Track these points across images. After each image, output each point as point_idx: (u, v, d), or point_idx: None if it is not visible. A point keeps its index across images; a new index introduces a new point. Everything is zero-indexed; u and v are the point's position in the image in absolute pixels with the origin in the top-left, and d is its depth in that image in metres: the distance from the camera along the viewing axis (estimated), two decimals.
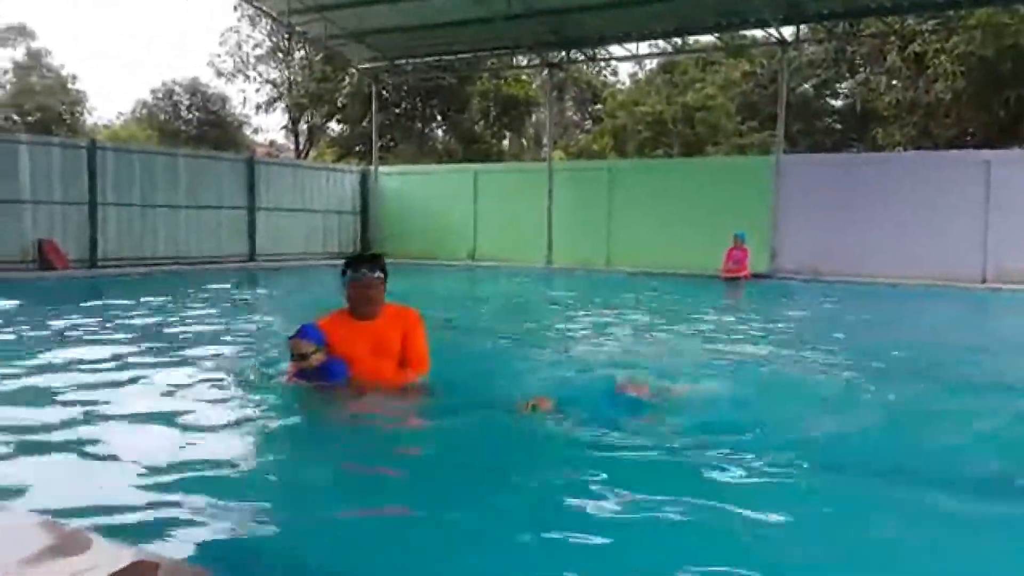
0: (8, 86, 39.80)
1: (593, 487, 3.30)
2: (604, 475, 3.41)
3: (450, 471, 3.65)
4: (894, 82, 27.66)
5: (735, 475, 3.48)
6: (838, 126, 33.64)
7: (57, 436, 4.05)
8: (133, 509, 3.09)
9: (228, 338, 7.76)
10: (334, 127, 36.76)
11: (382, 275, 4.81)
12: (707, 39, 24.36)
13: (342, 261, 4.94)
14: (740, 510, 3.07)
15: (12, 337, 7.62)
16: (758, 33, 20.72)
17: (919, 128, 27.23)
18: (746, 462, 3.61)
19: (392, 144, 34.26)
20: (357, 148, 34.31)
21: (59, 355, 6.37)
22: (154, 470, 3.49)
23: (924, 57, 25.55)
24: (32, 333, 7.88)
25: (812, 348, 7.72)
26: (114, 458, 3.74)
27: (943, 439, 4.39)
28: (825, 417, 4.71)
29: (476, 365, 6.46)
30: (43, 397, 4.88)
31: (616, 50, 23.31)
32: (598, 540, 2.85)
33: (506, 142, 39.08)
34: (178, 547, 2.76)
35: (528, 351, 7.35)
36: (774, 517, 3.08)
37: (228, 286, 14.45)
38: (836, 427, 4.47)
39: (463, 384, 5.25)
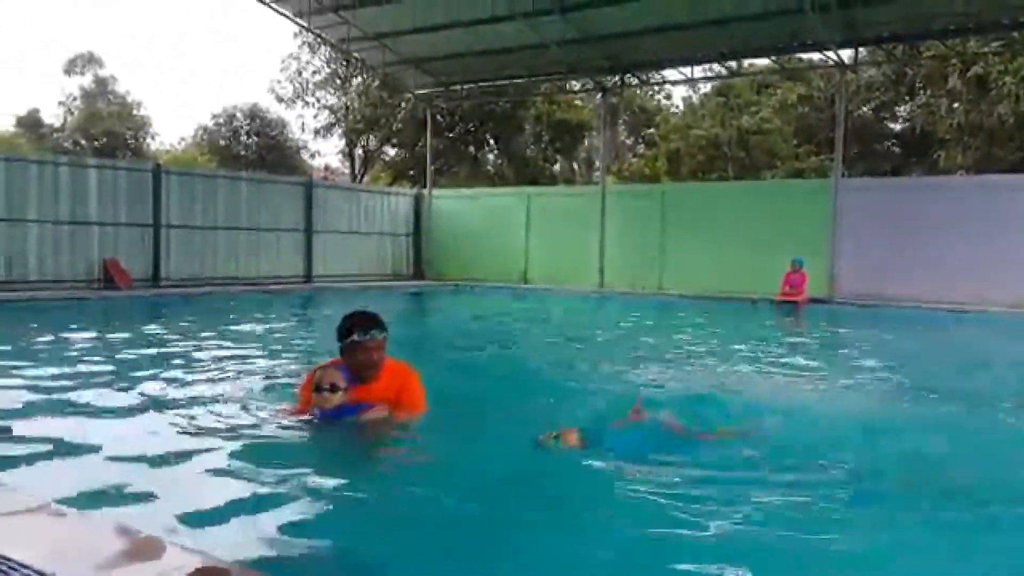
0: (77, 112, 41.19)
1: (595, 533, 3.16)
2: (619, 519, 3.28)
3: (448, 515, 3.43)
4: (955, 105, 27.10)
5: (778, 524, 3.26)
6: (897, 150, 33.04)
7: (111, 446, 4.20)
8: (198, 516, 3.17)
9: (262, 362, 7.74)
10: (389, 151, 37.22)
11: (386, 333, 4.62)
12: (763, 62, 24.19)
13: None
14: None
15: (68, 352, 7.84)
16: (815, 56, 20.51)
17: (982, 151, 26.59)
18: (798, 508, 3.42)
19: (445, 168, 34.55)
20: (411, 172, 34.66)
21: (104, 371, 6.56)
22: (221, 483, 3.58)
23: (987, 79, 25.01)
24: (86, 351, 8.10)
25: (869, 379, 7.52)
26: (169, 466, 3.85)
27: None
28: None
29: (510, 391, 6.42)
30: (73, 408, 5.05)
31: (670, 74, 23.28)
32: None
33: (558, 166, 39.15)
34: (244, 553, 2.82)
35: (569, 379, 7.25)
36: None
37: (270, 307, 14.67)
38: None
39: (489, 410, 5.23)
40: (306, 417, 4.52)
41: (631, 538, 3.10)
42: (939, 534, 3.24)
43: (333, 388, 4.39)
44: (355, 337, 4.52)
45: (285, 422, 4.61)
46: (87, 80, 41.59)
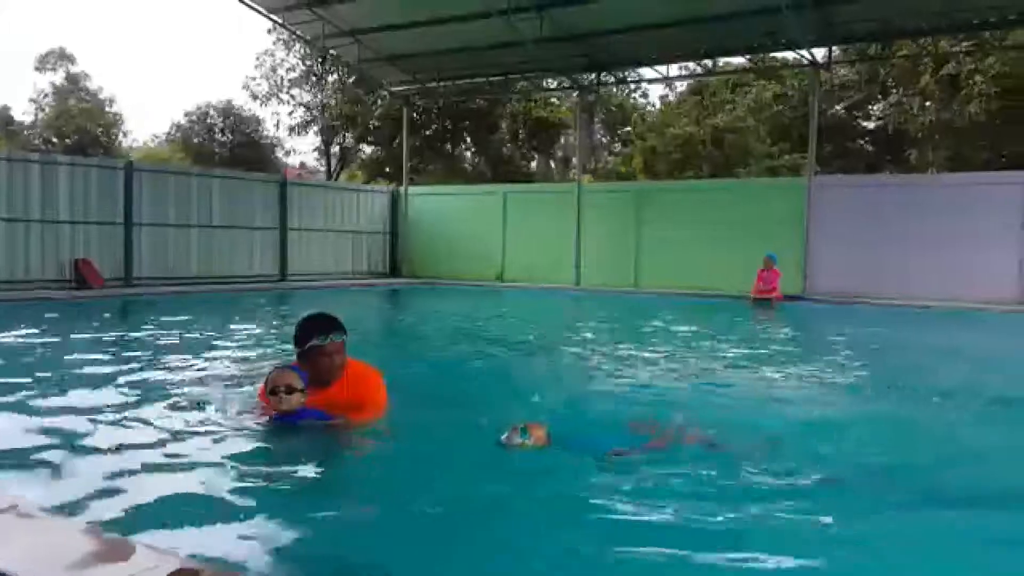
0: (48, 109, 40.68)
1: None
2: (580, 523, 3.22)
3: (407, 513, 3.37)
4: (927, 103, 27.41)
5: (744, 525, 3.22)
6: (870, 148, 33.38)
7: (78, 448, 4.16)
8: (159, 516, 3.16)
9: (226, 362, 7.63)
10: (365, 149, 37.12)
11: (345, 335, 4.51)
12: (738, 61, 24.34)
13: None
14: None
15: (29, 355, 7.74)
16: (789, 55, 20.67)
17: (953, 150, 26.94)
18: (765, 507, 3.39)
19: (422, 166, 34.49)
20: (387, 169, 34.60)
21: (74, 373, 6.49)
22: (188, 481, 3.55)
23: (958, 78, 25.32)
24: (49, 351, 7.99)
25: (834, 375, 7.56)
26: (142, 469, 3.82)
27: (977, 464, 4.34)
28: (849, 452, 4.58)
29: (472, 389, 6.39)
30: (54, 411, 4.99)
31: (647, 72, 23.38)
32: None
33: (535, 164, 39.21)
34: (217, 553, 2.80)
35: (539, 377, 7.22)
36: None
37: (248, 306, 14.56)
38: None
39: (458, 408, 5.19)
40: (263, 420, 4.41)
41: (599, 536, 3.09)
42: (909, 527, 3.28)
43: (289, 390, 4.22)
44: (315, 342, 4.38)
45: (248, 424, 4.50)
46: (59, 77, 41.15)
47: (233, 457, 3.98)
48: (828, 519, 3.26)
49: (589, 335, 11.33)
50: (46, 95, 40.93)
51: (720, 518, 3.23)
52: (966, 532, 3.23)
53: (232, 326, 10.83)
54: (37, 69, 41.01)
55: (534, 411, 4.95)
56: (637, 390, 6.37)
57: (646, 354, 8.83)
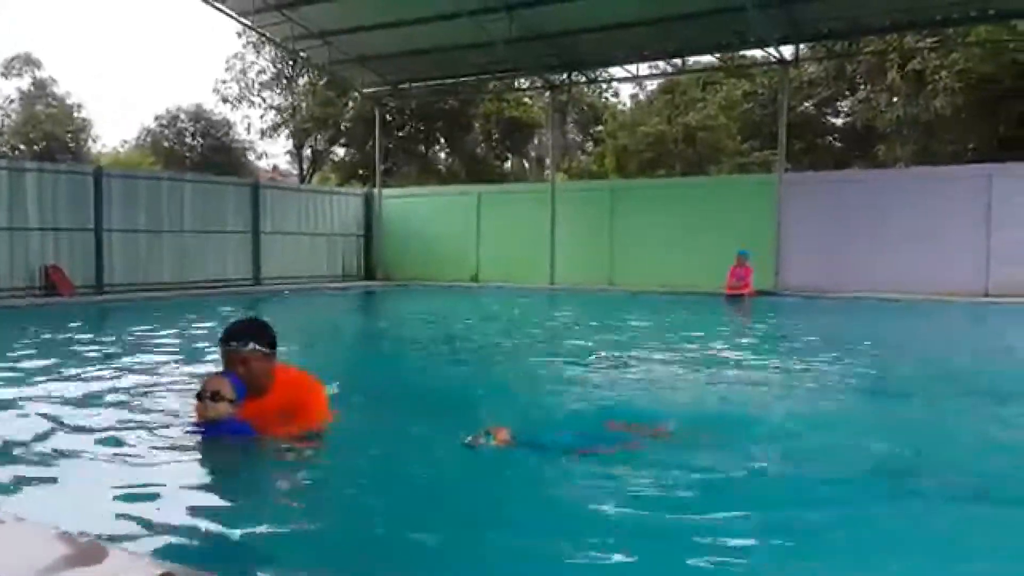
0: (14, 115, 40.13)
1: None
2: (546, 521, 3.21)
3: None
4: (894, 99, 27.78)
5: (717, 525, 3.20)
6: (839, 144, 33.76)
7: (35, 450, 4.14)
8: (142, 522, 3.16)
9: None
10: (338, 151, 36.98)
11: (259, 348, 4.14)
12: (707, 59, 24.53)
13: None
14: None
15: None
16: (758, 53, 20.87)
17: (920, 144, 27.32)
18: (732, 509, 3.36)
19: (395, 167, 34.43)
20: (361, 172, 34.49)
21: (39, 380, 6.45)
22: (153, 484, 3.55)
23: (924, 74, 25.68)
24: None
25: (809, 368, 7.66)
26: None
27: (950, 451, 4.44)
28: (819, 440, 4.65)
29: (437, 391, 6.34)
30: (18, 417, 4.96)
31: (617, 71, 23.50)
32: None
33: (508, 164, 39.26)
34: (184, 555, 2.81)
35: (505, 378, 7.21)
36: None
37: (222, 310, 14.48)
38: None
39: (425, 409, 5.14)
40: (188, 429, 4.19)
41: (567, 532, 3.07)
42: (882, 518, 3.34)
43: (216, 397, 3.97)
44: (223, 345, 4.18)
45: (172, 433, 4.31)
46: (25, 82, 40.54)
47: (187, 464, 3.92)
48: (804, 512, 3.31)
49: (559, 334, 11.38)
50: (12, 101, 40.36)
51: (688, 513, 3.25)
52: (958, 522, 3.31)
53: (199, 330, 10.72)
54: (2, 75, 40.39)
55: (500, 412, 4.92)
56: (606, 388, 6.38)
57: (617, 352, 8.86)
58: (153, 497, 3.39)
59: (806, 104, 32.12)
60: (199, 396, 4.02)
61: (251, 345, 4.12)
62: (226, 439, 4.02)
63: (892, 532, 3.15)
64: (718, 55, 22.18)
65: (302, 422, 4.19)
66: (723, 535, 3.01)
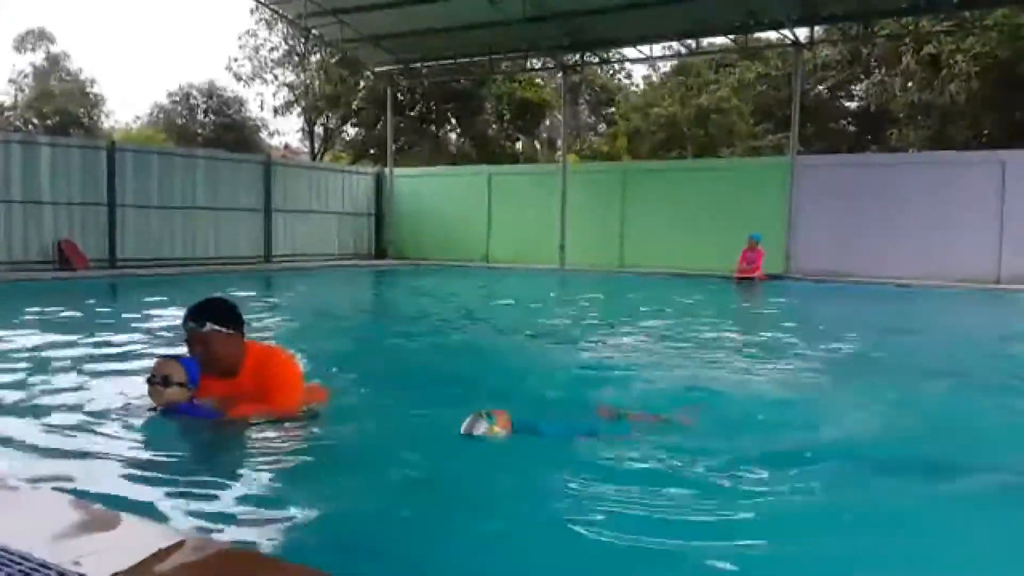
0: (28, 90, 40.24)
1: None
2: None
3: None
4: (909, 84, 27.57)
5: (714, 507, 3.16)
6: (852, 128, 33.55)
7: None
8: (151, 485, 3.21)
9: None
10: (349, 130, 36.96)
11: (216, 328, 4.04)
12: (721, 41, 24.38)
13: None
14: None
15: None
16: (772, 35, 20.72)
17: (934, 129, 27.14)
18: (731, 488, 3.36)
19: (407, 147, 34.41)
20: (372, 151, 34.47)
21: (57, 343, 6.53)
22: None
23: (939, 58, 25.47)
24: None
25: (815, 354, 7.57)
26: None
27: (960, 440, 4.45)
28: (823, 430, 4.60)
29: (446, 369, 6.27)
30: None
31: (630, 52, 23.39)
32: None
33: (519, 145, 39.16)
34: (201, 525, 2.86)
35: (510, 361, 7.12)
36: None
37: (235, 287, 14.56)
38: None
39: (428, 392, 5.08)
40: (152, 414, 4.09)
41: (566, 520, 3.01)
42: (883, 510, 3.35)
43: (166, 381, 3.90)
44: (183, 326, 4.09)
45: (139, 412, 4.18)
46: (38, 57, 40.65)
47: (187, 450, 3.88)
48: (812, 499, 3.30)
49: (566, 315, 11.36)
50: (26, 76, 40.47)
51: (694, 501, 3.20)
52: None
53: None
54: (16, 49, 40.53)
55: (499, 394, 4.86)
56: (609, 372, 6.29)
57: (623, 335, 8.82)
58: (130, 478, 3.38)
59: (820, 87, 31.91)
60: (150, 380, 3.95)
61: (208, 326, 4.02)
62: (189, 419, 3.97)
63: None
64: (732, 37, 22.03)
65: (277, 399, 4.10)
66: (728, 530, 2.98)
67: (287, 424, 4.07)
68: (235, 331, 4.13)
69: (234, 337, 4.11)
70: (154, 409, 4.02)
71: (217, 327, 4.04)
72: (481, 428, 3.74)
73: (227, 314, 4.13)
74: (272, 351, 4.35)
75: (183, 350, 4.20)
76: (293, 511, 3.08)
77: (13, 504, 2.60)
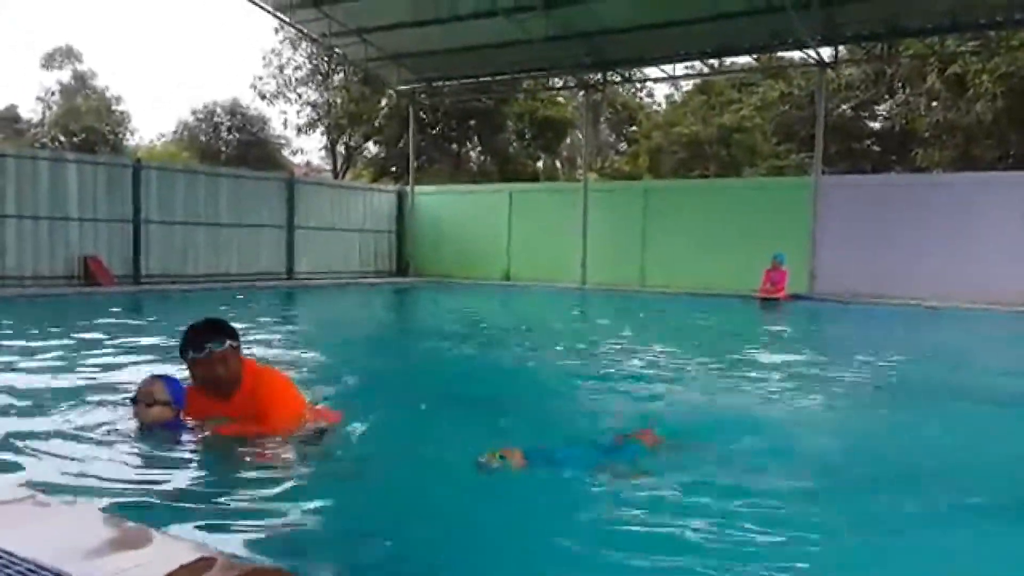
0: (55, 107, 40.77)
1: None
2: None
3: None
4: (934, 103, 27.37)
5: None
6: (876, 148, 33.31)
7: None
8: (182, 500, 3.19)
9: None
10: (371, 148, 37.15)
11: (232, 343, 4.04)
12: (744, 60, 24.33)
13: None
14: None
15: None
16: (796, 54, 20.67)
17: (959, 149, 26.89)
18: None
19: (428, 164, 34.53)
20: (393, 168, 34.62)
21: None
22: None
23: (964, 78, 25.27)
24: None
25: (838, 376, 7.48)
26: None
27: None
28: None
29: (466, 396, 6.03)
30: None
31: (653, 71, 23.40)
32: None
33: (541, 163, 39.20)
34: (231, 542, 2.83)
35: (530, 386, 6.97)
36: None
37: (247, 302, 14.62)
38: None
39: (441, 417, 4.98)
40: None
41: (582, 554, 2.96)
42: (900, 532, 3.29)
43: (150, 402, 3.93)
44: (191, 355, 4.00)
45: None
46: (65, 75, 41.17)
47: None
48: (831, 524, 3.25)
49: (588, 335, 11.29)
50: (53, 93, 41.00)
51: (716, 526, 3.13)
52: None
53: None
54: (44, 67, 41.10)
55: (511, 426, 4.78)
56: (628, 397, 6.17)
57: (641, 358, 8.62)
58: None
59: (843, 107, 31.74)
60: (134, 400, 3.98)
61: (227, 343, 4.02)
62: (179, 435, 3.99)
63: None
64: (755, 56, 21.99)
65: (271, 419, 4.04)
66: (743, 554, 2.91)
67: (298, 444, 4.05)
68: (239, 345, 4.16)
69: (239, 351, 4.14)
70: (141, 430, 4.02)
71: (233, 343, 4.07)
72: (495, 466, 3.68)
73: (232, 330, 4.15)
74: (267, 371, 4.36)
75: (168, 368, 4.21)
76: (304, 529, 3.09)
77: (40, 518, 2.59)
